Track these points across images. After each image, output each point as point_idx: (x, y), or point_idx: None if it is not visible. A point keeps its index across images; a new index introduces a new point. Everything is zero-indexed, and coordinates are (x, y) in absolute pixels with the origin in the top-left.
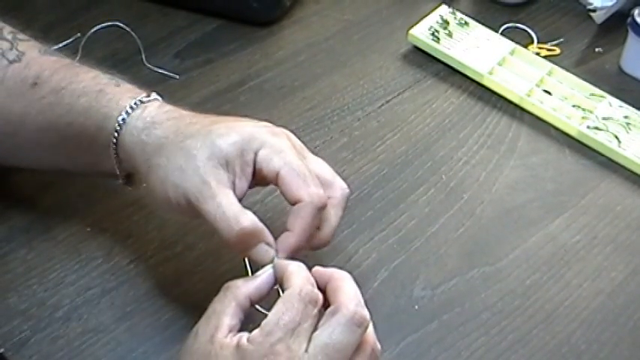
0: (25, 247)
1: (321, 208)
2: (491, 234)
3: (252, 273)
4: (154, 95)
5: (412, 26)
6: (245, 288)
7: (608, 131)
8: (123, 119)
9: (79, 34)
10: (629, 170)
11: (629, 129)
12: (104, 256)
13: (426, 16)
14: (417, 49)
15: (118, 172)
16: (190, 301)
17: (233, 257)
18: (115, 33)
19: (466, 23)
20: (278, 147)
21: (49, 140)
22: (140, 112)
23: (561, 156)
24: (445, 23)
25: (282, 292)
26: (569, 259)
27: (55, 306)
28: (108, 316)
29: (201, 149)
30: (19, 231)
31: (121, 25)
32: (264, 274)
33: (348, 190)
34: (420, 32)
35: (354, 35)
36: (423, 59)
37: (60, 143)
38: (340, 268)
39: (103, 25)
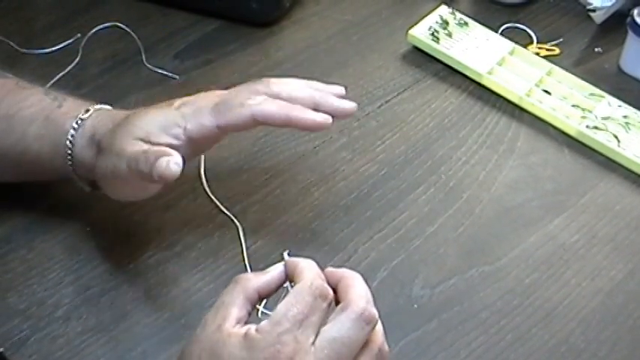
0: (25, 246)
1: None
2: (490, 233)
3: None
4: (91, 107)
5: (412, 26)
6: (254, 281)
7: (607, 131)
8: (70, 142)
9: (79, 35)
10: (628, 170)
11: (629, 129)
12: (104, 256)
13: (426, 16)
14: (417, 49)
15: (81, 185)
16: (189, 301)
17: (232, 257)
18: (115, 34)
19: (466, 23)
20: (202, 112)
21: (7, 164)
22: (82, 131)
23: (560, 155)
24: (445, 23)
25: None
26: (568, 259)
27: (54, 305)
28: (107, 316)
29: (121, 134)
30: (18, 231)
31: (121, 25)
32: (275, 271)
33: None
34: (420, 32)
35: (353, 35)
36: (423, 59)
37: (18, 166)
38: (339, 267)
39: (104, 25)
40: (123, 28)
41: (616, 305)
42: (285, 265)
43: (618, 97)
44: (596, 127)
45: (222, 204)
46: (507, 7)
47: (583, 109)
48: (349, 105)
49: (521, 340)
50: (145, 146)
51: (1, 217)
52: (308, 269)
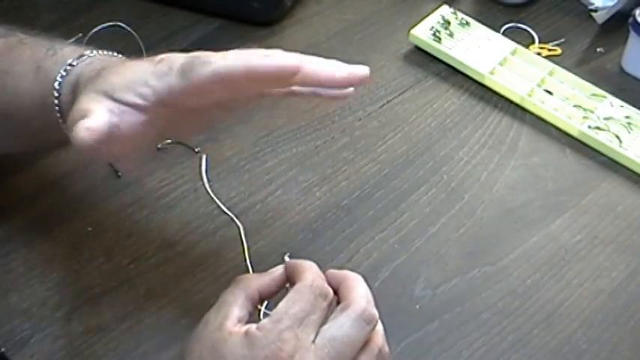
0: (26, 246)
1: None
2: (492, 234)
3: (253, 271)
4: (88, 53)
5: (413, 26)
6: (256, 282)
7: (609, 131)
8: (57, 90)
9: (80, 34)
10: (630, 170)
11: (631, 129)
12: (105, 256)
13: (428, 16)
14: (418, 49)
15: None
16: (191, 302)
17: (233, 257)
18: (116, 33)
19: (467, 23)
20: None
21: (1, 128)
22: (69, 77)
23: (562, 156)
24: (446, 23)
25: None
26: (570, 259)
27: (56, 305)
28: (108, 316)
29: (87, 88)
30: (20, 231)
31: (123, 25)
32: (276, 272)
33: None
34: (422, 32)
35: (355, 35)
36: (424, 59)
37: (11, 128)
38: (341, 267)
39: (105, 25)
40: (124, 28)
41: (618, 306)
42: (286, 267)
43: (620, 98)
44: (597, 128)
45: (223, 204)
46: (509, 7)
47: (585, 110)
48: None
49: (523, 340)
50: (106, 102)
51: (1, 217)
52: (308, 270)
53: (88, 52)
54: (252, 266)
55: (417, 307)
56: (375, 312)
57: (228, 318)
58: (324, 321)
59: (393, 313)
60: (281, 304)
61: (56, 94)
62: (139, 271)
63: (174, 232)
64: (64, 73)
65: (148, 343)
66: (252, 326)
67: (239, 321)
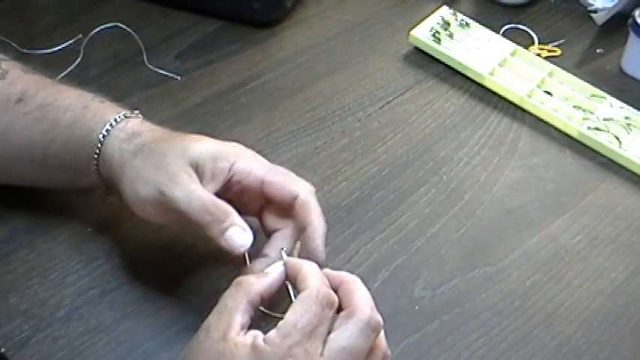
0: (27, 247)
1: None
2: (491, 234)
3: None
4: (136, 112)
5: (413, 27)
6: (257, 285)
7: (608, 132)
8: (107, 130)
9: (80, 35)
10: (629, 171)
11: (630, 130)
12: (105, 257)
13: (427, 17)
14: (418, 50)
15: (98, 184)
16: (190, 302)
17: (233, 258)
18: (116, 34)
19: (467, 24)
20: (255, 159)
21: (31, 156)
22: (123, 125)
23: (562, 157)
24: (446, 24)
25: (292, 289)
26: (569, 260)
27: (55, 306)
28: (108, 317)
29: (173, 150)
30: (20, 231)
31: (123, 26)
32: (276, 272)
33: (311, 187)
34: (421, 33)
35: (355, 36)
36: (424, 60)
37: (41, 160)
38: (340, 268)
39: (105, 26)
40: (124, 29)
41: (617, 307)
42: (285, 265)
43: (620, 99)
44: (597, 129)
45: None
46: (509, 8)
47: (584, 110)
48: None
49: (523, 341)
50: (194, 176)
51: (2, 218)
52: (312, 275)
53: (128, 112)
54: (250, 260)
55: (417, 307)
56: (380, 318)
57: (232, 326)
58: (330, 329)
59: (392, 314)
60: (289, 316)
61: (104, 135)
62: (139, 271)
63: (174, 232)
64: (118, 119)
65: (148, 344)
66: (259, 338)
67: (242, 328)
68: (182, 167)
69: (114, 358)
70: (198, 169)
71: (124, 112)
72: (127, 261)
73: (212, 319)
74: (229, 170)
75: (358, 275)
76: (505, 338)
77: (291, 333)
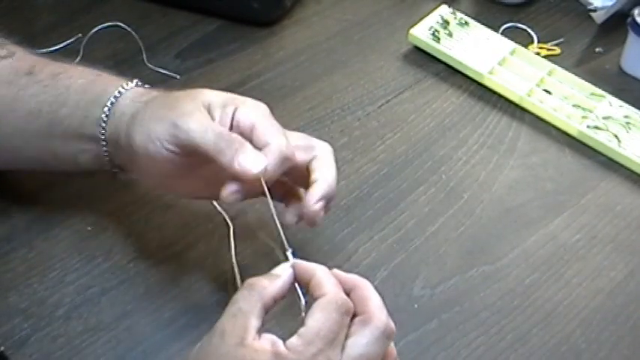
0: (26, 246)
1: (287, 159)
2: (490, 233)
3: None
4: (147, 86)
5: (412, 26)
6: (271, 288)
7: (608, 131)
8: (119, 92)
9: (80, 35)
10: (629, 170)
11: (629, 128)
12: (104, 255)
13: (427, 16)
14: (418, 49)
15: (100, 160)
16: (190, 300)
17: (232, 257)
18: (116, 33)
19: (466, 23)
20: (258, 107)
21: (36, 126)
22: (135, 89)
23: (561, 155)
24: (445, 23)
25: (300, 291)
26: (568, 259)
27: (55, 305)
28: (108, 315)
29: (186, 95)
30: (19, 230)
31: (122, 25)
32: (286, 275)
33: (330, 147)
34: (421, 32)
35: (354, 35)
36: (424, 59)
37: (47, 128)
38: (340, 267)
39: (104, 25)
40: (124, 28)
41: (616, 305)
42: (294, 268)
43: (619, 97)
44: (596, 127)
45: (222, 203)
46: (508, 7)
47: (584, 109)
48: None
49: (522, 340)
50: (214, 124)
51: (1, 217)
52: (327, 280)
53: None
54: (239, 267)
55: (416, 306)
56: (393, 326)
57: (249, 331)
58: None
59: (391, 313)
60: (311, 323)
61: (117, 95)
62: (138, 270)
63: (173, 231)
64: (127, 87)
65: (148, 342)
66: (279, 344)
67: (257, 332)
68: (196, 106)
69: (113, 357)
70: (210, 112)
71: (136, 81)
72: (127, 259)
73: (226, 322)
74: (233, 115)
75: (358, 274)
76: (504, 337)
77: (314, 340)
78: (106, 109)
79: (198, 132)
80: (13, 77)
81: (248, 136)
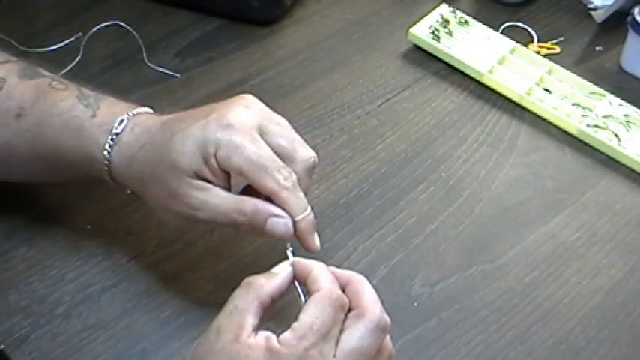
0: (26, 244)
1: (295, 186)
2: (490, 232)
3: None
4: (125, 117)
5: (412, 25)
6: (268, 286)
7: (608, 130)
8: (107, 159)
9: (80, 34)
10: (628, 168)
11: (629, 127)
12: (104, 254)
13: (426, 15)
14: (417, 48)
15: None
16: (190, 299)
17: (232, 255)
18: (116, 32)
19: (466, 22)
20: (233, 143)
21: (41, 167)
22: (118, 149)
23: (561, 154)
24: (445, 22)
25: (300, 289)
26: (568, 257)
27: (55, 303)
28: (108, 313)
29: (169, 174)
30: (19, 228)
31: (122, 24)
32: (285, 273)
33: (312, 159)
34: (421, 31)
35: (354, 34)
36: (423, 58)
37: (52, 170)
38: (339, 265)
39: (104, 24)
40: (124, 27)
41: (616, 304)
42: (293, 266)
43: (619, 96)
44: (596, 126)
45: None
46: (508, 6)
47: (584, 108)
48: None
49: (521, 338)
50: (202, 183)
51: (1, 215)
52: (323, 276)
53: (124, 114)
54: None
55: (415, 304)
56: (388, 319)
57: (244, 328)
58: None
59: (391, 311)
60: (303, 317)
61: (106, 162)
62: (138, 268)
63: (173, 229)
64: (111, 143)
65: (147, 340)
66: (272, 339)
67: (253, 330)
68: (188, 186)
69: (113, 355)
70: (198, 176)
71: (114, 129)
72: (126, 258)
73: (222, 320)
74: (217, 164)
75: (357, 272)
76: (503, 335)
77: (307, 334)
78: (105, 171)
79: (205, 216)
80: (5, 119)
81: (239, 175)
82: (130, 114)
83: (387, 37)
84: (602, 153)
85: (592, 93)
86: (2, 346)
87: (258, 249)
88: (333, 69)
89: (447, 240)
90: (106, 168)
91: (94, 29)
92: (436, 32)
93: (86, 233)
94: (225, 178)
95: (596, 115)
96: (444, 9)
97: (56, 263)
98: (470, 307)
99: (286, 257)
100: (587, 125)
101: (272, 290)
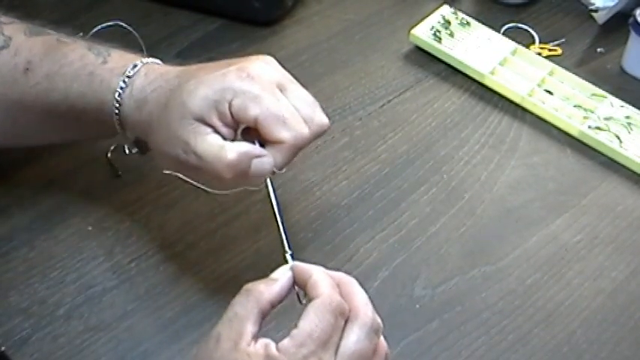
0: (27, 245)
1: (302, 147)
2: (492, 233)
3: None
4: (139, 62)
5: (414, 26)
6: (267, 294)
7: (609, 131)
8: (117, 101)
9: (81, 34)
10: (630, 170)
11: (631, 129)
12: (105, 255)
13: (428, 16)
14: (419, 49)
15: (129, 141)
16: (191, 300)
17: (233, 257)
18: (117, 32)
19: (468, 23)
20: (251, 93)
21: (52, 123)
22: (130, 91)
23: (562, 156)
24: (447, 23)
25: (301, 294)
26: (570, 259)
27: (56, 304)
28: (109, 315)
29: (175, 114)
30: (20, 229)
31: (123, 24)
32: (285, 279)
33: (326, 127)
34: (422, 32)
35: (355, 35)
36: (425, 59)
37: (63, 124)
38: (341, 267)
39: (105, 24)
40: (125, 27)
41: (618, 306)
42: (293, 270)
43: (620, 98)
44: (598, 128)
45: (223, 203)
46: (509, 7)
47: (585, 110)
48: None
49: (523, 340)
50: (202, 128)
51: (2, 216)
52: (323, 282)
53: (137, 60)
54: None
55: (417, 306)
56: (380, 320)
57: (243, 336)
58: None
59: (393, 313)
60: (303, 324)
61: (117, 105)
62: (140, 269)
63: (175, 231)
64: (123, 85)
65: (149, 342)
66: (271, 347)
67: (253, 337)
68: (188, 129)
69: (114, 357)
70: (205, 121)
71: (127, 72)
72: (128, 259)
73: (222, 327)
74: (230, 111)
75: (359, 274)
76: (505, 337)
77: (307, 342)
78: (115, 115)
79: (208, 160)
80: (13, 76)
81: (253, 126)
82: (144, 61)
83: (388, 37)
84: (603, 155)
85: (593, 94)
86: (3, 348)
87: (259, 251)
88: (335, 70)
89: (448, 242)
90: (116, 111)
91: (95, 29)
92: (437, 33)
93: (87, 234)
94: (232, 128)
95: (598, 117)
96: (446, 10)
97: (57, 265)
98: (472, 309)
99: (286, 261)
100: (589, 127)
101: (272, 297)
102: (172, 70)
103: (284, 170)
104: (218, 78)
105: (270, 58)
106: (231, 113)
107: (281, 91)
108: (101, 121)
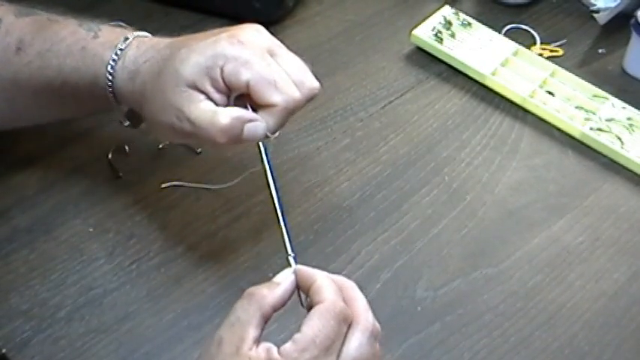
0: (27, 247)
1: (293, 111)
2: (493, 235)
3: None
4: (130, 36)
5: (415, 27)
6: (270, 298)
7: (611, 132)
8: (110, 74)
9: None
10: (631, 171)
11: (632, 130)
12: (106, 257)
13: (429, 16)
14: (420, 50)
15: (122, 114)
16: (192, 302)
17: (235, 258)
18: None
19: (469, 24)
20: (243, 58)
21: (47, 100)
22: (122, 63)
23: (564, 157)
24: (448, 24)
25: (303, 298)
26: (571, 261)
27: (57, 306)
28: (110, 317)
29: (168, 82)
30: (21, 231)
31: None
32: (287, 282)
33: (316, 90)
34: (423, 33)
35: (356, 36)
36: (426, 60)
37: (58, 101)
38: (342, 269)
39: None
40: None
41: (619, 308)
42: (296, 274)
43: (622, 99)
44: (599, 129)
45: (224, 204)
46: (511, 8)
47: (587, 111)
48: None
49: (525, 342)
50: (195, 95)
51: (3, 218)
52: (327, 288)
53: (128, 34)
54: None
55: (419, 308)
56: (379, 326)
57: (245, 341)
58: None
59: (394, 315)
60: (306, 330)
61: (110, 77)
62: (141, 271)
63: (176, 232)
64: (115, 58)
65: (150, 344)
66: (274, 351)
67: (254, 342)
68: (181, 97)
69: (115, 359)
70: (198, 88)
71: (118, 46)
72: (129, 261)
73: (224, 331)
74: (222, 77)
75: (360, 276)
76: (507, 339)
77: (309, 347)
78: (108, 88)
79: (202, 126)
80: (5, 56)
81: (245, 91)
82: (135, 34)
83: (389, 38)
84: (605, 156)
85: (595, 95)
86: (4, 351)
87: (260, 253)
88: (336, 71)
89: (450, 243)
90: (109, 83)
91: None
92: (439, 34)
93: (88, 236)
94: (225, 94)
95: (599, 118)
96: (447, 11)
97: (58, 266)
98: (473, 312)
99: (288, 264)
100: (590, 128)
101: (274, 302)
102: (163, 41)
103: (277, 134)
104: (209, 45)
105: (259, 26)
106: (223, 79)
107: (271, 56)
108: (96, 96)
